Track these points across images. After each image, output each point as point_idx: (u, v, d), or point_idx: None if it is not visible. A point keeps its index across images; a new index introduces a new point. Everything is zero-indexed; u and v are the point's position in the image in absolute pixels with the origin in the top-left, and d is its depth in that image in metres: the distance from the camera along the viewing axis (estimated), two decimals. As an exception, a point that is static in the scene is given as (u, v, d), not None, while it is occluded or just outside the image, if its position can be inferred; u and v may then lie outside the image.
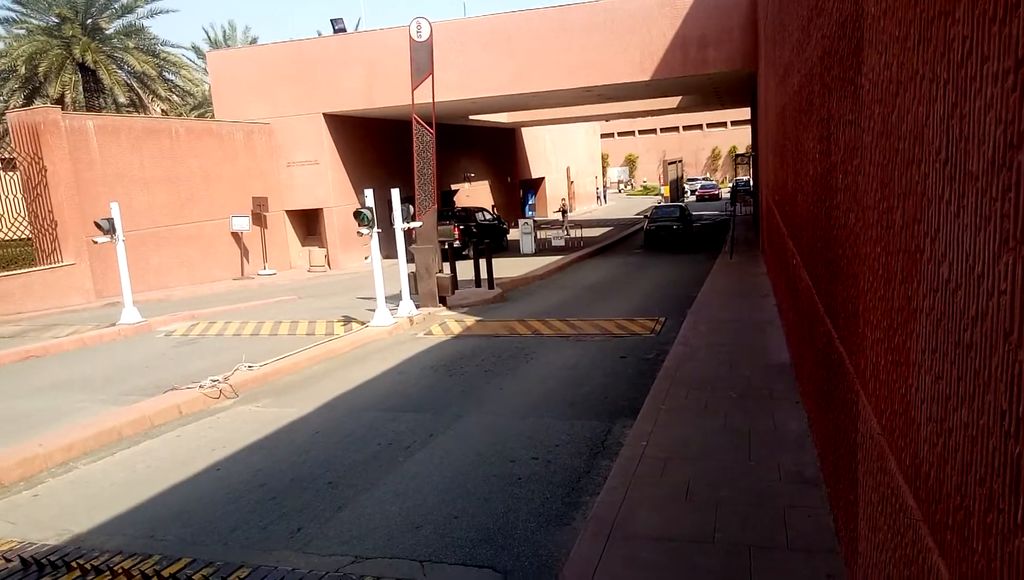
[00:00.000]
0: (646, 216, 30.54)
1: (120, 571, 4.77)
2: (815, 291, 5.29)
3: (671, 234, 26.17)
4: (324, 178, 24.67)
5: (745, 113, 45.21)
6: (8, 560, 5.05)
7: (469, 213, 26.98)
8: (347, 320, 13.77)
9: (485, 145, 36.61)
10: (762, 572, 4.13)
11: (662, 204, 33.90)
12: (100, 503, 6.04)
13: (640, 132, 73.82)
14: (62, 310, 16.92)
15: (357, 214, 12.60)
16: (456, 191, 33.19)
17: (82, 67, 30.06)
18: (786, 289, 8.95)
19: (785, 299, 9.27)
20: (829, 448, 4.67)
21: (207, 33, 47.29)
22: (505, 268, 19.81)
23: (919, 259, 2.07)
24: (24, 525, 5.71)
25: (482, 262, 16.95)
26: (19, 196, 17.64)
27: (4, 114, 20.16)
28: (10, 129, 17.94)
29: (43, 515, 5.90)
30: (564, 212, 32.69)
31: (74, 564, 4.90)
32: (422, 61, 14.36)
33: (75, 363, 11.57)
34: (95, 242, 14.95)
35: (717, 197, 52.93)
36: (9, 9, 30.18)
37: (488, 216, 28.45)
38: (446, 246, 16.35)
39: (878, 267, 2.73)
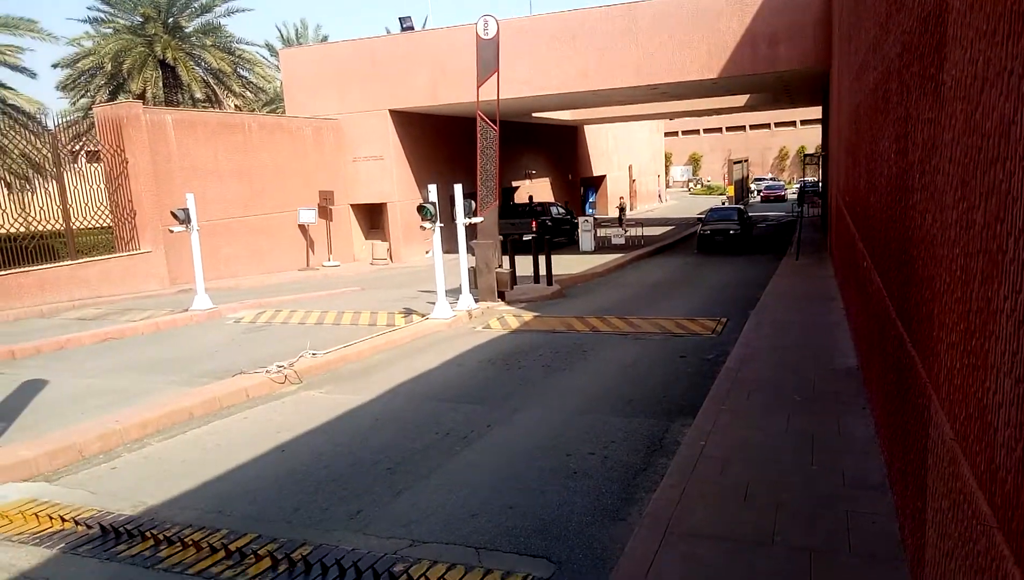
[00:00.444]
0: (699, 219, 28.12)
1: (190, 543, 5.00)
2: (886, 294, 5.15)
3: (727, 240, 24.24)
4: (388, 173, 25.10)
5: (816, 112, 43.98)
6: (89, 527, 5.34)
7: (545, 208, 28.52)
8: (408, 312, 14.00)
9: (547, 142, 36.60)
10: (823, 577, 4.05)
11: (717, 206, 30.82)
12: (172, 478, 6.32)
13: (705, 131, 72.61)
14: (137, 296, 17.68)
15: (420, 209, 12.79)
16: (516, 188, 33.31)
17: (162, 64, 31.29)
18: (855, 292, 8.71)
19: (854, 302, 9.02)
20: (897, 454, 4.55)
21: (280, 31, 48.63)
22: (564, 265, 19.80)
23: (1001, 260, 2.02)
24: (103, 495, 6.02)
25: (541, 258, 16.98)
26: (102, 187, 18.48)
27: (91, 109, 21.12)
28: (96, 123, 18.83)
29: (120, 487, 6.20)
30: (622, 210, 32.45)
31: (148, 534, 5.14)
32: (488, 58, 14.47)
33: (149, 346, 12.09)
34: (171, 231, 15.58)
35: (783, 198, 51.17)
36: (99, 10, 31.53)
37: (562, 211, 29.86)
38: (522, 238, 16.97)
39: (956, 268, 2.66)
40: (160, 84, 31.14)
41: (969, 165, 2.40)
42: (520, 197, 32.68)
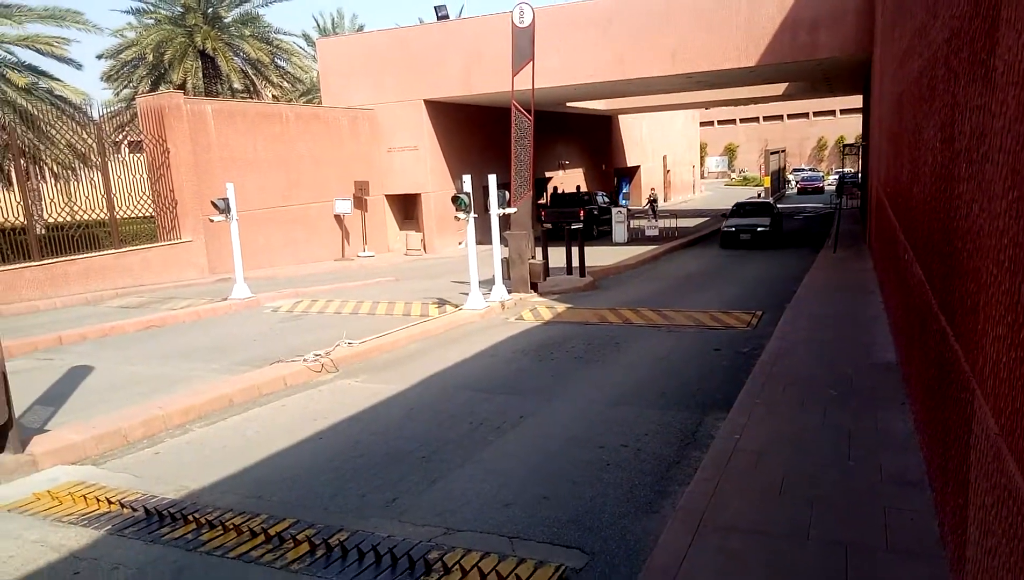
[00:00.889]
0: (723, 214, 25.97)
1: (231, 527, 5.11)
2: (929, 286, 5.04)
3: (755, 238, 22.05)
4: (423, 164, 25.21)
5: (856, 101, 43.06)
6: (135, 510, 5.49)
7: (591, 197, 29.52)
8: (441, 302, 14.08)
9: (581, 132, 36.40)
10: (860, 573, 4.00)
11: (744, 199, 27.34)
12: (213, 463, 6.46)
13: (741, 120, 71.49)
14: (178, 284, 18.06)
15: (455, 199, 12.83)
16: (550, 179, 33.22)
17: (202, 54, 31.80)
18: (895, 285, 8.53)
19: (894, 295, 8.84)
20: (937, 450, 4.46)
21: (316, 21, 49.05)
22: (597, 257, 19.72)
23: (1052, 250, 1.96)
24: (147, 479, 6.19)
25: (574, 250, 16.93)
26: (144, 176, 18.88)
27: (134, 100, 21.57)
28: (139, 113, 19.22)
29: (163, 471, 6.36)
30: (653, 201, 32.07)
31: (190, 518, 5.27)
32: (524, 47, 14.42)
33: (190, 334, 12.35)
34: (211, 221, 15.86)
35: (821, 190, 50.06)
36: (141, 0, 32.11)
37: (607, 200, 31.08)
38: (571, 226, 17.70)
39: (1004, 259, 2.60)
40: (200, 75, 31.66)
41: (1021, 153, 2.34)
42: (551, 188, 32.92)
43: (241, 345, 11.26)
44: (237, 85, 32.26)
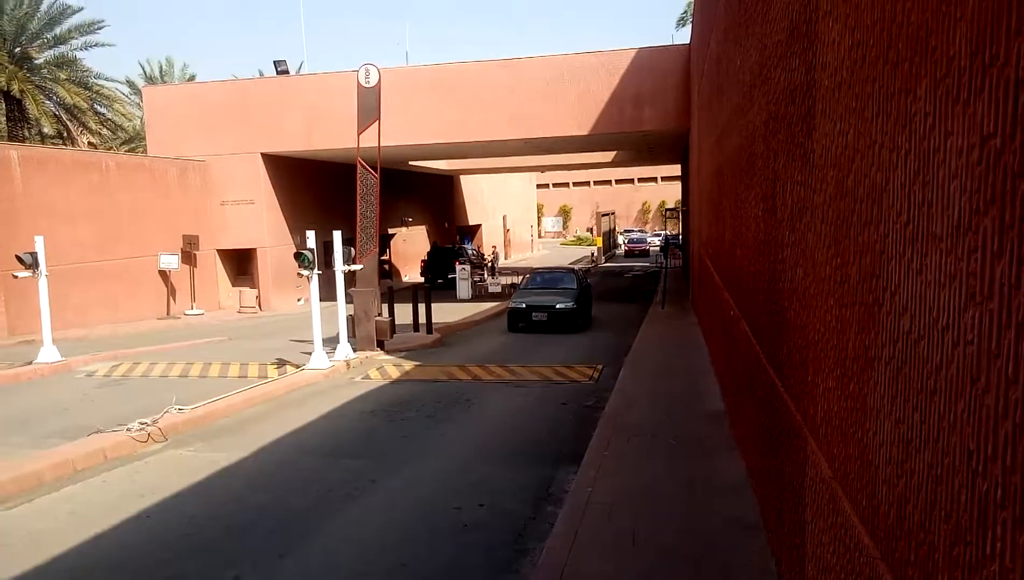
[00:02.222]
0: (512, 287, 22.42)
1: (43, 625, 4.48)
2: (756, 341, 5.52)
3: (552, 318, 17.20)
4: (259, 218, 24.27)
5: (675, 169, 46.94)
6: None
7: (463, 250, 31.53)
8: (281, 363, 13.46)
9: (424, 190, 36.79)
10: (711, 617, 4.20)
11: (543, 269, 21.80)
12: (17, 553, 5.67)
13: (574, 184, 75.55)
14: (-29, 347, 15.94)
15: (298, 256, 12.45)
16: (393, 235, 33.20)
17: (7, 96, 28.97)
18: (722, 339, 9.26)
19: (720, 349, 9.58)
20: (772, 494, 4.83)
21: (143, 68, 46.25)
22: (443, 313, 19.77)
23: (877, 312, 2.24)
24: (-68, 577, 5.31)
25: (421, 306, 16.89)
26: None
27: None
28: (-75, 155, 17.05)
29: (-47, 566, 5.49)
30: (495, 258, 33.33)
31: (-9, 619, 4.57)
32: (369, 106, 14.46)
33: (-14, 403, 10.90)
34: (15, 277, 14.22)
35: (646, 253, 52.95)
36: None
37: (476, 253, 34.59)
38: (448, 277, 19.96)
39: (831, 319, 2.91)
40: (3, 118, 28.76)
41: (842, 226, 2.66)
42: (396, 245, 33.20)
43: (50, 415, 10.08)
44: (48, 130, 29.62)
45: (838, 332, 2.78)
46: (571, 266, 28.27)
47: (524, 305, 17.62)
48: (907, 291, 1.93)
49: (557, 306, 17.37)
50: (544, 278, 19.56)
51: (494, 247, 38.71)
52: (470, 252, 32.70)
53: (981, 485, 1.49)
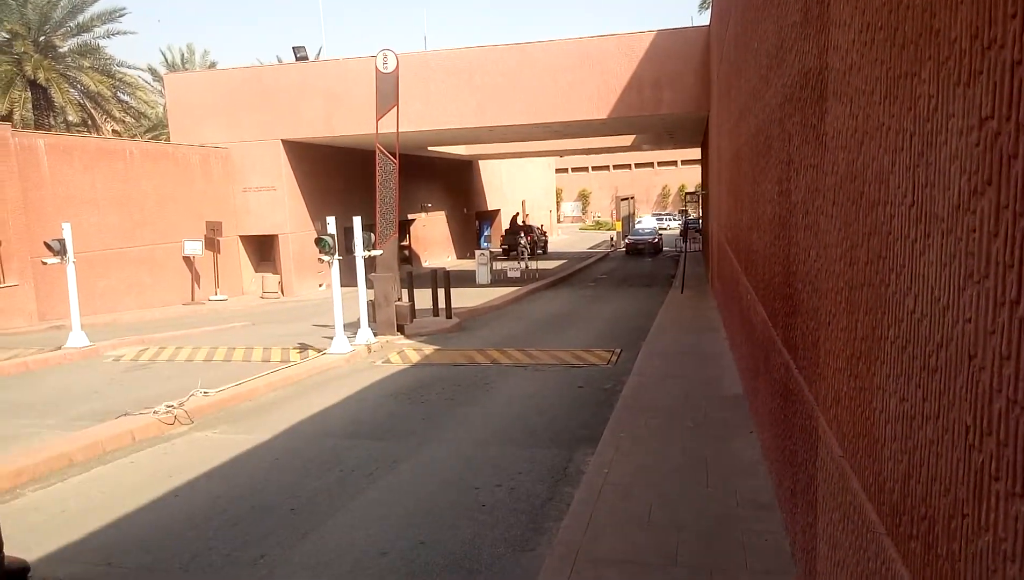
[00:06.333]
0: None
1: (77, 598, 4.66)
2: (772, 324, 5.54)
3: (649, 247, 38.86)
4: (281, 204, 24.50)
5: (695, 153, 46.57)
6: (-44, 588, 4.87)
7: (530, 227, 38.78)
8: (303, 347, 13.65)
9: (443, 176, 36.85)
10: (725, 594, 4.26)
11: (637, 228, 34.17)
12: (52, 530, 5.87)
13: (593, 168, 75.18)
14: (2, 333, 16.33)
15: (319, 241, 12.58)
16: (412, 221, 33.35)
17: (33, 84, 29.39)
18: (739, 322, 9.26)
19: (738, 332, 9.58)
20: (785, 473, 4.87)
21: (164, 55, 46.60)
22: (462, 298, 19.88)
23: (884, 293, 2.27)
24: (-29, 552, 5.50)
25: (440, 291, 17.01)
26: (-39, 214, 17.05)
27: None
28: (-45, 145, 17.40)
29: (-10, 542, 5.68)
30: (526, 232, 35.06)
31: (27, 592, 4.75)
32: (387, 92, 14.52)
33: (19, 387, 11.19)
34: (44, 263, 14.51)
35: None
36: (-43, 24, 29.34)
37: (538, 230, 40.45)
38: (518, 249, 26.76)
39: (841, 300, 2.94)
40: (29, 106, 29.20)
41: (852, 208, 2.68)
42: (415, 230, 33.46)
43: (80, 398, 10.34)
44: (74, 118, 30.04)
45: (847, 313, 2.81)
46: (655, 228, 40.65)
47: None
48: (911, 271, 1.96)
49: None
50: (638, 232, 37.65)
51: (541, 225, 39.76)
52: (535, 229, 39.77)
53: (976, 459, 1.53)
